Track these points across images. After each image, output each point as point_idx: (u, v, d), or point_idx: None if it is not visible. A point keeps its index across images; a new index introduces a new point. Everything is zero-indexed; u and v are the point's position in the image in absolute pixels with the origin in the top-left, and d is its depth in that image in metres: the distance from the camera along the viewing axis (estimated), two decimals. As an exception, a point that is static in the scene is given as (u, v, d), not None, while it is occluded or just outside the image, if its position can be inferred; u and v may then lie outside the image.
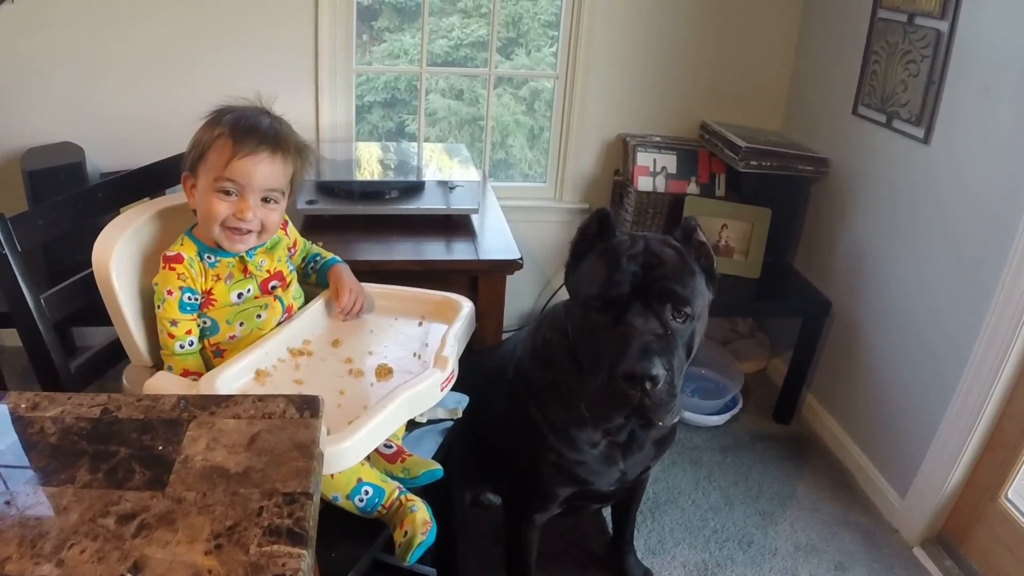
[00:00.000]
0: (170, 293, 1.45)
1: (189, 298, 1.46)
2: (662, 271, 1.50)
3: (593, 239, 1.62)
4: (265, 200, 1.48)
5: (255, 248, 1.54)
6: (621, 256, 1.53)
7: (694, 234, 1.60)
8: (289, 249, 1.66)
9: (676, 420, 1.60)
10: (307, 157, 1.56)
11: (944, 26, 2.21)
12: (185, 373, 1.46)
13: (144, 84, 2.73)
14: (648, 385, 1.41)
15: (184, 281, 1.45)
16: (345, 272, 1.72)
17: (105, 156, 2.69)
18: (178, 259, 1.46)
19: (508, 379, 1.84)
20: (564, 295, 1.74)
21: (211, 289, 1.49)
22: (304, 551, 0.82)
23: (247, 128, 1.44)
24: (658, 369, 1.41)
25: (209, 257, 1.50)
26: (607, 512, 2.33)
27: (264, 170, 1.45)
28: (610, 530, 2.27)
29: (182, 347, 1.46)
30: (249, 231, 1.48)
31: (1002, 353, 2.05)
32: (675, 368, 1.47)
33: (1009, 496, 2.14)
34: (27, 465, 0.93)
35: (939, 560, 2.26)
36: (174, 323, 1.45)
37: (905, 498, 2.39)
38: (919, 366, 2.35)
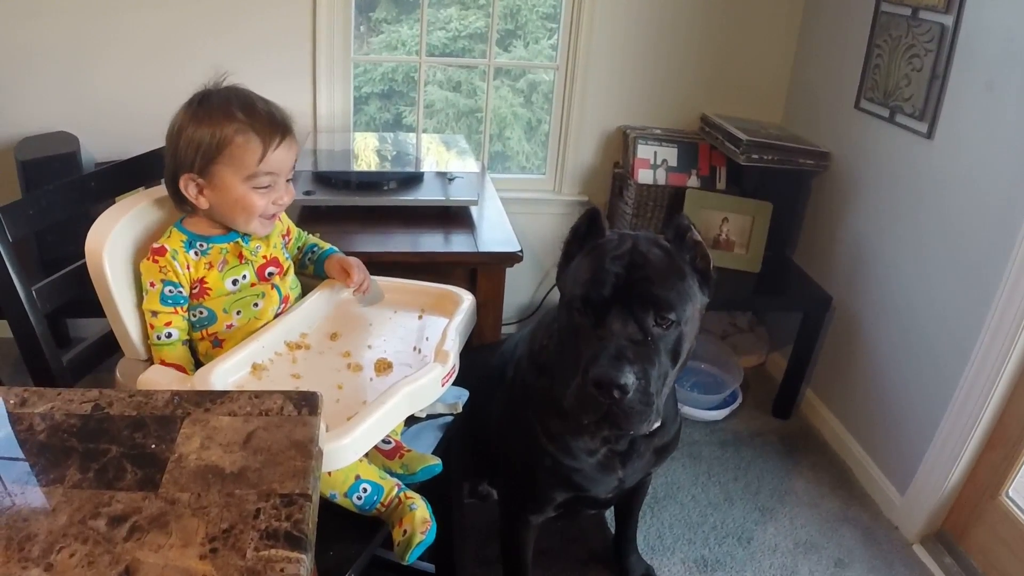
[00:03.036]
0: (152, 285, 1.44)
1: (170, 291, 1.44)
2: (646, 273, 1.44)
3: (584, 238, 1.58)
4: (287, 180, 1.52)
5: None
6: (606, 256, 1.47)
7: (688, 234, 1.52)
8: (284, 236, 1.64)
9: (656, 426, 1.56)
10: None
11: (949, 20, 2.18)
12: (163, 364, 1.45)
13: (140, 73, 2.70)
14: (617, 393, 1.36)
15: (165, 274, 1.44)
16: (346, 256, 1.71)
17: (100, 146, 2.66)
18: (160, 251, 1.44)
19: (507, 380, 1.80)
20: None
21: (203, 278, 1.47)
22: (303, 555, 0.79)
23: (266, 118, 1.45)
24: (627, 378, 1.36)
25: (201, 245, 1.48)
26: (609, 510, 2.31)
27: (292, 155, 1.50)
28: (612, 528, 2.25)
29: (159, 338, 1.45)
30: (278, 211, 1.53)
31: (1004, 350, 2.03)
32: (651, 376, 1.41)
33: (1010, 494, 2.14)
34: (14, 464, 0.91)
35: (939, 557, 2.25)
36: (154, 314, 1.45)
37: (905, 495, 2.38)
38: (920, 362, 2.33)
